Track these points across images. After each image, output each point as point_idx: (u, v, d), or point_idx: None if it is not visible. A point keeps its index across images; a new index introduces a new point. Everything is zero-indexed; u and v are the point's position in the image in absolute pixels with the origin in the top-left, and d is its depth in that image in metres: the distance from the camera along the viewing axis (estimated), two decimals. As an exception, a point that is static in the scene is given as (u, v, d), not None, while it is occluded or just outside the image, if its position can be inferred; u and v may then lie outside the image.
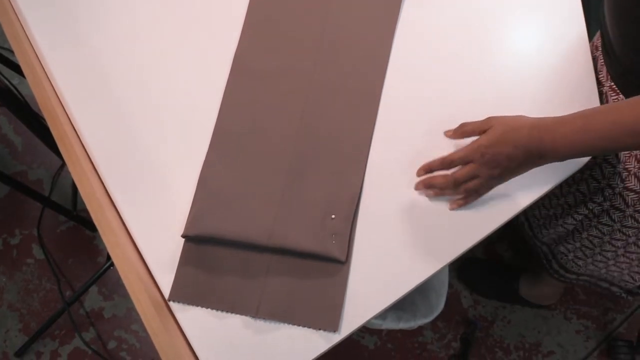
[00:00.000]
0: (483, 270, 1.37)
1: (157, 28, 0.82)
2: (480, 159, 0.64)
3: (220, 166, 0.73)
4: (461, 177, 0.67)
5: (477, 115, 0.68)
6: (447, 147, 0.72)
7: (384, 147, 0.73)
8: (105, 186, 0.73)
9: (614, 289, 1.02)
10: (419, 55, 0.78)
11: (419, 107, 0.75)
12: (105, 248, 1.38)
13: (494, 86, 0.76)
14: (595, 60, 0.79)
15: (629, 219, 0.80)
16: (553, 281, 1.12)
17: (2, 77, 1.04)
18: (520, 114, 0.65)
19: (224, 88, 0.77)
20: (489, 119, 0.67)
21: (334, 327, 0.65)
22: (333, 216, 0.68)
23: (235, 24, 0.80)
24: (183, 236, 0.69)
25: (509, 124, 0.64)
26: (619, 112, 0.58)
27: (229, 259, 0.69)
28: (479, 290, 1.37)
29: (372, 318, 0.66)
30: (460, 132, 0.70)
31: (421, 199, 0.70)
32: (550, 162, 0.63)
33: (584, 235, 0.91)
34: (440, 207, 0.70)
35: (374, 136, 0.74)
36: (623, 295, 1.03)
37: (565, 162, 0.64)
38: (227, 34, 0.80)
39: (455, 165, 0.67)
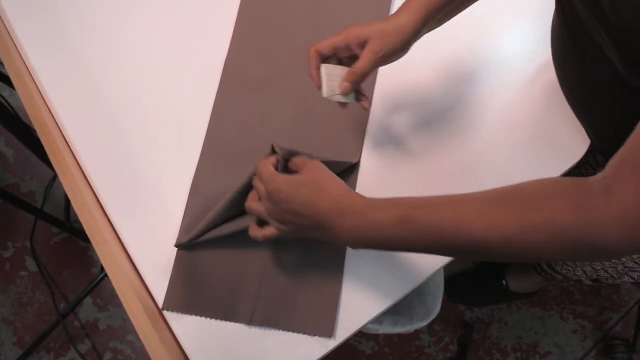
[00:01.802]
0: (467, 282, 1.36)
1: (147, 37, 0.81)
2: (269, 204, 0.57)
3: (212, 174, 0.72)
4: (251, 211, 0.61)
5: (475, 115, 0.68)
6: (443, 150, 0.72)
7: (376, 151, 0.73)
8: (97, 196, 0.73)
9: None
10: (411, 59, 0.78)
11: (413, 111, 0.75)
12: (99, 259, 1.37)
13: (491, 85, 0.76)
14: None
15: None
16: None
17: (-8, 89, 1.04)
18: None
19: (215, 95, 0.77)
20: (305, 162, 0.59)
21: (329, 332, 0.65)
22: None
23: (226, 31, 0.80)
24: (176, 246, 0.68)
25: (319, 180, 0.55)
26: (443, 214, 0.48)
27: (222, 267, 0.68)
28: (471, 303, 1.37)
29: (368, 323, 0.66)
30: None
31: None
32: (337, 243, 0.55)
33: None
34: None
35: (365, 141, 0.74)
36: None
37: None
38: (218, 40, 0.80)
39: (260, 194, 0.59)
